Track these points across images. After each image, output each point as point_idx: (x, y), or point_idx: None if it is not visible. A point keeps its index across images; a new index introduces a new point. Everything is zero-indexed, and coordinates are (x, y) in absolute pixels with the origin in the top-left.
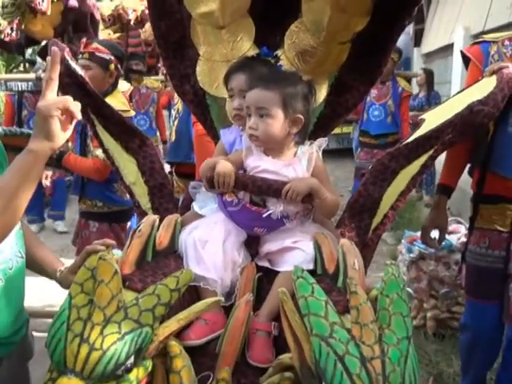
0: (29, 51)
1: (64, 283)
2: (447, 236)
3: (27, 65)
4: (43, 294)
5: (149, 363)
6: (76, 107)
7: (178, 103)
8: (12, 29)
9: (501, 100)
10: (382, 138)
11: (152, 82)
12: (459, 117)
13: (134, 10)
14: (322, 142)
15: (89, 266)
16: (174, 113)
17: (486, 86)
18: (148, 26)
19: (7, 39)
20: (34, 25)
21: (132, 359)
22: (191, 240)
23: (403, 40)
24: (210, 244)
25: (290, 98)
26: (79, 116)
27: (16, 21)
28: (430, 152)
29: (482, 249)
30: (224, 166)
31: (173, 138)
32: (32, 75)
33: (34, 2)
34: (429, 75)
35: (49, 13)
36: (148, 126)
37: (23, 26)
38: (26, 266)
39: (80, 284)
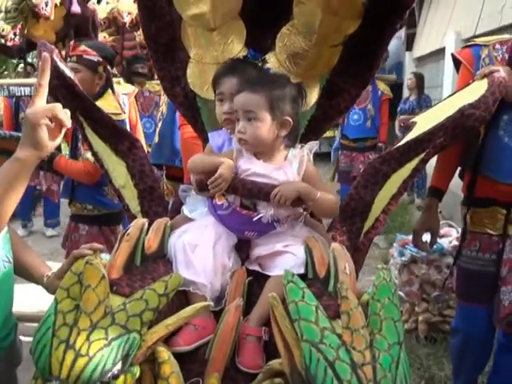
0: (31, 56)
1: (51, 289)
2: (439, 239)
3: (28, 67)
4: (32, 297)
5: (136, 369)
6: (65, 115)
7: (163, 106)
8: (15, 34)
9: (492, 103)
10: (361, 141)
11: (153, 85)
12: (451, 120)
13: (130, 13)
14: (313, 145)
15: (75, 270)
16: (158, 115)
17: (477, 90)
18: None
19: (10, 43)
20: (36, 29)
21: (119, 366)
22: (180, 244)
23: (395, 44)
24: (199, 248)
25: (277, 100)
26: (69, 124)
27: (19, 26)
28: (422, 155)
29: (472, 252)
30: (229, 168)
31: (156, 139)
32: (34, 80)
33: (38, 6)
34: (419, 79)
35: (52, 18)
36: (154, 129)
37: (25, 31)
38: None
39: (66, 289)
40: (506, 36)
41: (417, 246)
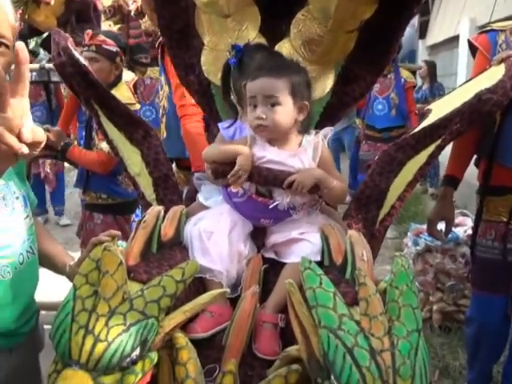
0: (32, 43)
1: (73, 278)
2: (453, 229)
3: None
4: (52, 286)
5: (154, 355)
6: (13, 139)
7: (163, 100)
8: (15, 19)
9: (510, 88)
10: (386, 131)
11: (155, 71)
12: (467, 105)
13: (135, 1)
14: (328, 131)
15: (93, 256)
16: (160, 110)
17: (494, 75)
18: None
19: None
20: (37, 15)
21: (138, 351)
22: (196, 231)
23: (408, 32)
24: (215, 235)
25: (298, 84)
26: (25, 151)
27: (19, 11)
28: (438, 142)
29: (488, 241)
30: (247, 159)
31: (164, 135)
32: (36, 65)
33: None
34: (431, 67)
35: (52, 3)
36: (154, 116)
37: (26, 16)
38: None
39: (84, 275)
40: None
41: (432, 235)
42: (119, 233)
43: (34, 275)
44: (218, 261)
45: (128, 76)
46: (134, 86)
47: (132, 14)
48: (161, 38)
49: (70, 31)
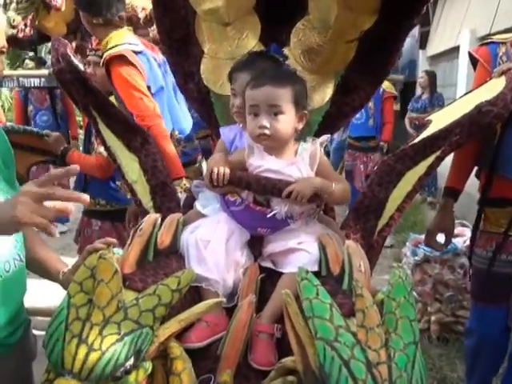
0: (43, 49)
1: (66, 285)
2: (452, 239)
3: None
4: (46, 292)
5: (149, 365)
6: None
7: None
8: (26, 25)
9: (510, 100)
10: (364, 141)
11: None
12: (467, 117)
13: (144, 9)
14: (325, 138)
15: (88, 264)
16: None
17: (494, 87)
18: None
19: (21, 35)
20: (47, 21)
21: (131, 361)
22: (193, 240)
23: (408, 42)
24: (212, 244)
25: (300, 94)
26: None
27: (30, 17)
28: (438, 153)
29: (488, 252)
30: (215, 160)
31: None
32: (45, 71)
33: None
34: (431, 77)
35: (63, 9)
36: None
37: (37, 22)
38: (28, 268)
39: (79, 283)
40: None
41: (430, 246)
42: (115, 240)
43: (22, 283)
44: (214, 270)
45: None
46: None
47: (141, 21)
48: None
49: (80, 38)
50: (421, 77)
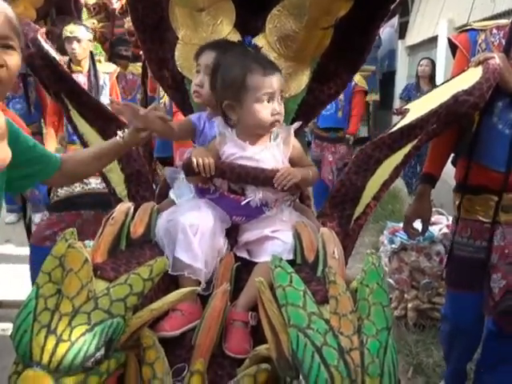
0: None
1: (132, 141)
2: (429, 227)
3: None
4: (14, 283)
5: (121, 355)
6: None
7: (164, 97)
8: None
9: (486, 90)
10: (333, 131)
11: (137, 68)
12: (444, 106)
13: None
14: (297, 125)
15: (56, 254)
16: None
17: (471, 77)
18: None
19: None
20: (15, 6)
21: (102, 351)
22: (181, 225)
23: (388, 32)
24: (201, 229)
25: None
26: None
27: None
28: (414, 142)
29: (463, 239)
30: (197, 151)
31: None
32: None
33: None
34: (435, 67)
35: None
36: None
37: None
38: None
39: (47, 273)
40: (503, 21)
41: (407, 232)
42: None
43: None
44: (199, 257)
45: (110, 67)
46: (117, 78)
47: (116, 12)
48: None
49: (51, 23)
50: (424, 65)
